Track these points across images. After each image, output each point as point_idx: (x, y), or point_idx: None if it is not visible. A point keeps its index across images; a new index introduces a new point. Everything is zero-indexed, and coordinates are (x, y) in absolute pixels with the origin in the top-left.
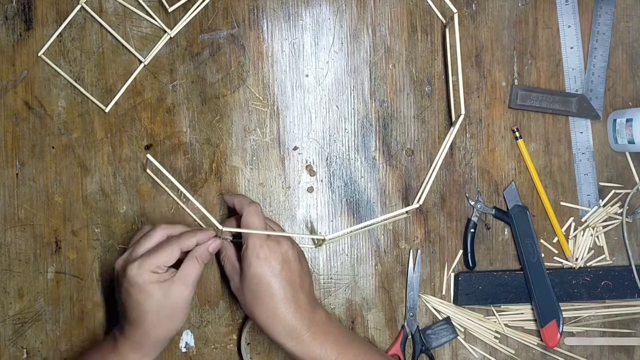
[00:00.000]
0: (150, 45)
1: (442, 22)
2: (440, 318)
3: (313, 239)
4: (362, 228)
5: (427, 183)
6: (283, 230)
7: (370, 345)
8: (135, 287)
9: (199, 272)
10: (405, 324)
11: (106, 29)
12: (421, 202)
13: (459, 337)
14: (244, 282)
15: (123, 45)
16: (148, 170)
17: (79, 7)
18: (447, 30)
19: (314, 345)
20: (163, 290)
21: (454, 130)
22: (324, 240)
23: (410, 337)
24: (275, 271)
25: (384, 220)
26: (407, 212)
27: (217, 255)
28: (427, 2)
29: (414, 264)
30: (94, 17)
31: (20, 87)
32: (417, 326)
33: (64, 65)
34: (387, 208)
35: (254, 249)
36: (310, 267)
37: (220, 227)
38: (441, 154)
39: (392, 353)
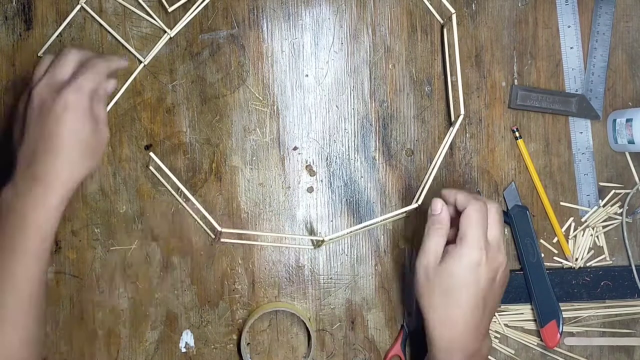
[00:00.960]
0: (150, 45)
1: (439, 22)
2: None
3: (312, 240)
4: (361, 228)
5: (426, 183)
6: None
7: None
8: (70, 114)
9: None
10: (405, 323)
11: (106, 29)
12: (420, 202)
13: None
14: (442, 272)
15: (123, 45)
16: (151, 167)
17: (78, 7)
18: (445, 31)
19: None
20: (93, 124)
21: (453, 130)
22: (323, 241)
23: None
24: (480, 283)
25: (383, 220)
26: (406, 212)
27: None
28: (425, 2)
29: (409, 260)
30: (93, 17)
31: (20, 87)
32: (417, 325)
33: None
34: (387, 208)
35: (473, 246)
36: (312, 268)
37: (219, 227)
38: (440, 153)
39: (393, 354)
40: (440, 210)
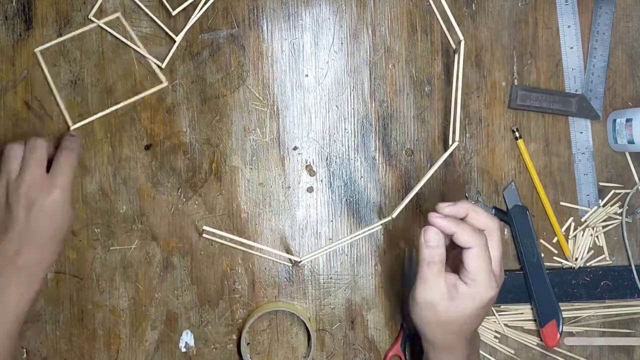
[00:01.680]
0: (151, 45)
1: (452, 47)
2: None
3: (290, 259)
4: (333, 246)
5: (407, 198)
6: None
7: None
8: (33, 213)
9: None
10: (404, 323)
11: (106, 30)
12: (394, 215)
13: None
14: (453, 312)
15: (125, 44)
16: (205, 236)
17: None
18: (456, 57)
19: None
20: (58, 217)
21: (445, 155)
22: (297, 262)
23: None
24: (486, 311)
25: (356, 236)
26: (381, 224)
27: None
28: (441, 24)
29: (409, 263)
30: (92, 20)
31: (20, 87)
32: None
33: (63, 65)
34: (387, 208)
35: (486, 287)
36: (312, 268)
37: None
38: (429, 174)
39: (393, 354)
40: (436, 242)
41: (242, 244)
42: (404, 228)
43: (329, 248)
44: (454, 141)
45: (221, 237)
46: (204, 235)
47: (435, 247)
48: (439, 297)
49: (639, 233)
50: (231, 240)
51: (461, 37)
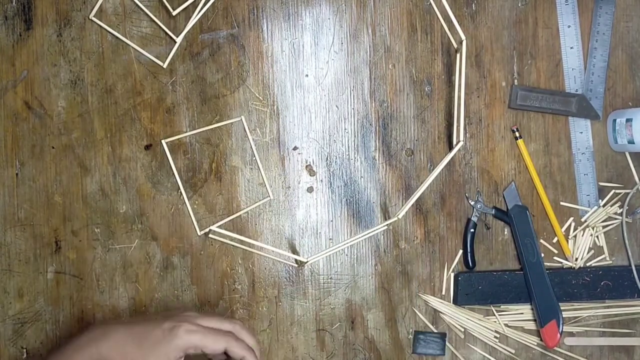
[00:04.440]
0: (151, 44)
1: (454, 47)
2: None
3: (295, 259)
4: (337, 248)
5: (413, 198)
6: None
7: None
8: (164, 344)
9: None
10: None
11: (107, 30)
12: (400, 216)
13: (459, 338)
14: None
15: (126, 43)
16: (212, 236)
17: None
18: (458, 56)
19: None
20: None
21: (450, 155)
22: (303, 262)
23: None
24: None
25: (363, 235)
26: (387, 225)
27: None
28: (442, 23)
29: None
30: (93, 21)
31: (20, 87)
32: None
33: (63, 65)
34: (387, 208)
35: None
36: (312, 268)
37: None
38: (435, 174)
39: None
40: None
41: (249, 245)
42: (403, 228)
43: (336, 248)
44: (458, 140)
45: (228, 237)
46: (211, 235)
47: None
48: None
49: (639, 233)
50: (238, 241)
51: (463, 37)
